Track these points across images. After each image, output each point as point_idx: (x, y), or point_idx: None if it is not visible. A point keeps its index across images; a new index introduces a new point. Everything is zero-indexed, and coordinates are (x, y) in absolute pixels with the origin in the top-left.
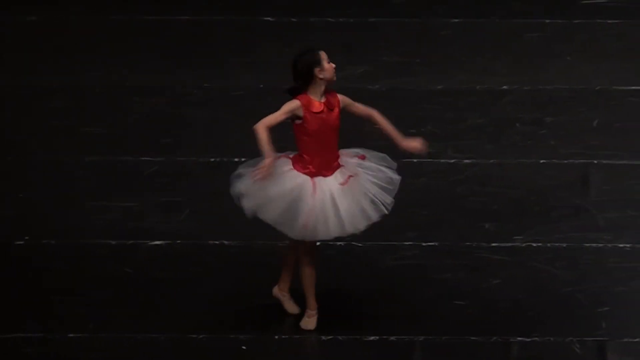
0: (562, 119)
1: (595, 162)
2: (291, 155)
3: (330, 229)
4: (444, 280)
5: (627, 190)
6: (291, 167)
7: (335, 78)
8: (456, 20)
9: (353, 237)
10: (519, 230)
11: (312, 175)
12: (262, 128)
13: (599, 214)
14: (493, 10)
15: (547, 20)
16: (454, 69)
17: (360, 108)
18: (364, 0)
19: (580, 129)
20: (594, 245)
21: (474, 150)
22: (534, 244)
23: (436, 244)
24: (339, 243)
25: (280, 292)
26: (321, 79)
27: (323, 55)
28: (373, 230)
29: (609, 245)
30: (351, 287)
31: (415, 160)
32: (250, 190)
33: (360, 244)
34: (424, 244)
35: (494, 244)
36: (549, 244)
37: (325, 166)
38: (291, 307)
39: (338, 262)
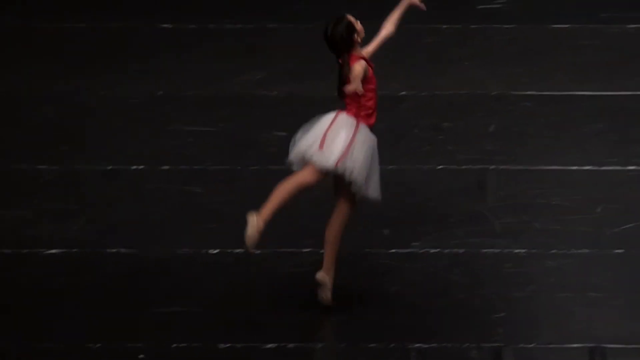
0: (459, 124)
1: (492, 167)
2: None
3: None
4: (343, 286)
5: (523, 195)
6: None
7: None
8: None
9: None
10: (417, 236)
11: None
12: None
13: (495, 219)
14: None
15: (444, 26)
16: None
17: (375, 45)
18: (263, 5)
19: (477, 134)
20: (491, 250)
21: None
22: (432, 250)
23: None
24: (236, 251)
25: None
26: (359, 42)
27: (352, 18)
28: (271, 237)
29: (505, 250)
30: (249, 294)
31: None
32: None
33: (258, 251)
34: (322, 251)
35: (392, 250)
36: (446, 250)
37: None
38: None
39: (236, 270)
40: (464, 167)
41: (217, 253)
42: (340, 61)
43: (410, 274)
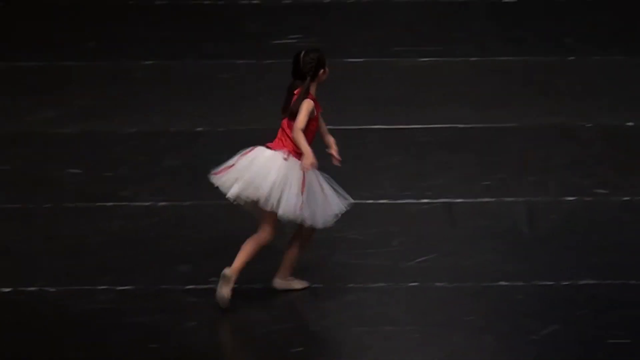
0: None
1: None
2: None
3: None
4: (140, 324)
5: (321, 230)
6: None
7: None
8: (149, 62)
9: (46, 282)
10: (214, 272)
11: None
12: (300, 133)
13: None
14: (185, 51)
15: (239, 61)
16: (148, 111)
17: (299, 116)
18: (57, 43)
19: None
20: None
21: (169, 192)
22: None
23: (131, 287)
24: (30, 289)
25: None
26: (321, 80)
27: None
28: (65, 275)
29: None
30: (42, 333)
31: (109, 203)
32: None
33: (53, 289)
34: (118, 288)
35: (189, 287)
36: (244, 285)
37: None
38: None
39: (28, 308)
40: None
41: (9, 291)
42: (294, 89)
43: (208, 310)
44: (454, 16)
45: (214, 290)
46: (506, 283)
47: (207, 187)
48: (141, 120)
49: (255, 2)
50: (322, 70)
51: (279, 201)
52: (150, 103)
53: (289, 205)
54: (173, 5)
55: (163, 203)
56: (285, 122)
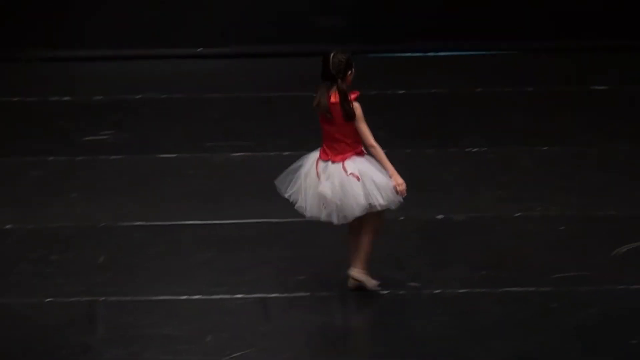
0: (67, 256)
1: (102, 299)
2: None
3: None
4: None
5: (133, 326)
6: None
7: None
8: None
9: None
10: None
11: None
12: (377, 150)
13: (105, 351)
14: None
15: (50, 158)
16: None
17: (362, 131)
18: None
19: (86, 266)
20: None
21: None
22: None
23: None
24: None
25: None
26: (348, 82)
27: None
28: None
29: None
30: None
31: None
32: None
33: None
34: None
35: None
36: None
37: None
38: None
39: None
40: (72, 299)
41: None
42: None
43: None
44: (265, 111)
45: None
46: None
47: (17, 285)
48: None
49: (65, 99)
50: (349, 72)
51: (378, 200)
52: None
53: (389, 198)
54: None
55: None
56: (331, 128)
